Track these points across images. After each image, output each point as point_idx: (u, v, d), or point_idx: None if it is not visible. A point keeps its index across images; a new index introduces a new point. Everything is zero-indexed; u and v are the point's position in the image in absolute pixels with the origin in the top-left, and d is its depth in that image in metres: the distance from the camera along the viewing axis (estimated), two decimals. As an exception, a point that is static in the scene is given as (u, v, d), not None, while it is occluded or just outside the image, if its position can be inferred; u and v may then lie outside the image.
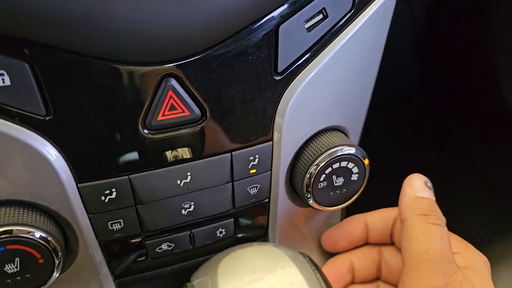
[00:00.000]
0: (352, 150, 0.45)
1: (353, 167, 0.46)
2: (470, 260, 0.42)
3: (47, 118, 0.34)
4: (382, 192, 0.51)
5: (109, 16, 0.31)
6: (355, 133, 0.50)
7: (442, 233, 0.41)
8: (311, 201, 0.46)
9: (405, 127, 0.97)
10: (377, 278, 0.50)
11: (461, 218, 0.80)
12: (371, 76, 0.47)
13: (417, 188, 0.44)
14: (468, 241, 0.46)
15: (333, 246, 0.51)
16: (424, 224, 0.41)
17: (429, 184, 0.45)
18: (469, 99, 0.95)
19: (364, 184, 0.47)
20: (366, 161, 0.46)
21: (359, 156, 0.45)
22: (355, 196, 0.48)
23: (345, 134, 0.48)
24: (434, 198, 0.45)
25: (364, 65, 0.45)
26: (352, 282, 0.50)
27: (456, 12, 0.91)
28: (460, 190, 0.84)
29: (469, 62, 0.90)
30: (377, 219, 0.49)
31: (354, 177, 0.46)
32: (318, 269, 0.33)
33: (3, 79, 0.32)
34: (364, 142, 0.51)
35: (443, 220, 0.42)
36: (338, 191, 0.46)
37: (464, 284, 0.38)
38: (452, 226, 0.44)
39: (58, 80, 0.33)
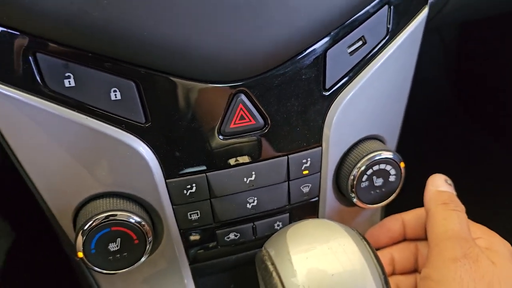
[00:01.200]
0: (389, 155, 0.52)
1: (390, 169, 0.53)
2: (492, 243, 0.48)
3: (146, 125, 0.44)
4: (417, 193, 0.58)
5: (198, 48, 0.41)
6: (392, 141, 0.57)
7: (460, 217, 0.47)
8: (355, 200, 0.53)
9: (438, 137, 1.03)
10: (415, 270, 0.57)
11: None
12: (404, 92, 0.55)
13: (438, 184, 0.51)
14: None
15: (375, 242, 0.58)
16: (444, 211, 0.48)
17: (449, 181, 0.52)
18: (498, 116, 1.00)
19: (400, 184, 0.55)
20: (402, 164, 0.53)
21: (395, 160, 0.53)
22: (393, 195, 0.55)
23: (383, 142, 0.56)
24: (454, 193, 0.51)
25: (398, 83, 0.53)
26: (393, 273, 0.56)
27: (484, 40, 0.98)
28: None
29: (497, 82, 0.96)
30: (412, 217, 0.56)
31: (392, 178, 0.54)
32: (365, 238, 0.41)
33: (115, 95, 0.42)
34: (402, 149, 0.58)
35: (462, 207, 0.49)
36: (378, 191, 0.54)
37: (480, 256, 0.43)
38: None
39: (156, 95, 0.43)
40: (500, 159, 1.03)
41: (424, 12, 0.52)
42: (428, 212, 0.49)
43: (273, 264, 0.39)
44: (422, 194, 0.53)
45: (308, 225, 0.43)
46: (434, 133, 1.08)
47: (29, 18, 0.38)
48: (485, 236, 0.49)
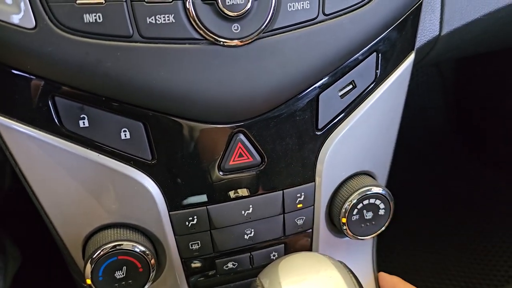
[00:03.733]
0: (379, 190, 0.56)
1: (380, 204, 0.56)
2: None
3: (152, 162, 0.48)
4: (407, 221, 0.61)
5: (200, 92, 0.45)
6: (382, 176, 0.61)
7: None
8: (346, 231, 0.57)
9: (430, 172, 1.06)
10: None
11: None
12: (393, 131, 0.59)
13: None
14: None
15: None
16: None
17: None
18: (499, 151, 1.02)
19: (389, 218, 0.58)
20: (391, 199, 0.57)
21: (384, 195, 0.56)
22: (383, 228, 0.58)
23: (373, 178, 0.59)
24: None
25: (386, 123, 0.57)
26: None
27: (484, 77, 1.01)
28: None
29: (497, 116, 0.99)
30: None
31: (381, 212, 0.57)
32: (351, 271, 0.44)
33: (125, 134, 0.46)
34: (391, 184, 0.61)
35: None
36: (368, 224, 0.57)
37: None
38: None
39: (162, 135, 0.47)
40: (498, 192, 1.06)
41: (411, 57, 0.56)
42: None
43: None
44: (411, 223, 0.55)
45: (299, 257, 0.46)
46: (431, 161, 1.11)
47: (49, 66, 0.42)
48: None
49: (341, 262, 0.45)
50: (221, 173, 0.50)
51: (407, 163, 0.73)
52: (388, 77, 0.55)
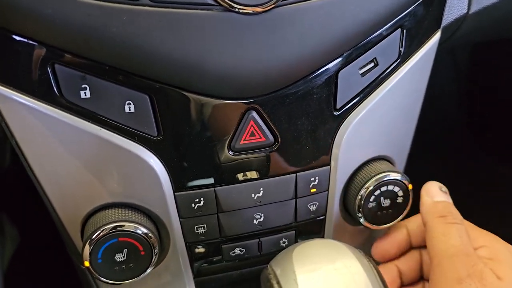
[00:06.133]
0: (397, 176, 0.52)
1: (398, 191, 0.53)
2: (496, 251, 0.46)
3: (157, 138, 0.45)
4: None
5: (212, 64, 0.42)
6: (401, 162, 0.58)
7: (459, 230, 0.46)
8: (361, 220, 0.53)
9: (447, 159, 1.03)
10: (421, 278, 0.56)
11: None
12: (414, 114, 0.55)
13: (433, 194, 0.51)
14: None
15: (384, 255, 0.57)
16: (443, 225, 0.47)
17: (444, 189, 0.51)
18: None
19: (408, 206, 0.55)
20: (410, 186, 0.53)
21: (403, 181, 0.53)
22: (400, 217, 0.55)
23: (392, 163, 0.56)
24: (450, 201, 0.51)
25: (408, 105, 0.54)
26: (402, 285, 0.56)
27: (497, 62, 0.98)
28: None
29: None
30: (416, 226, 0.55)
31: (399, 199, 0.54)
32: (371, 259, 0.41)
33: (129, 107, 0.43)
34: (410, 170, 0.58)
35: (460, 218, 0.48)
36: (385, 212, 0.54)
37: (485, 272, 0.42)
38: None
39: (169, 109, 0.44)
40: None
41: (437, 35, 0.53)
42: (426, 225, 0.49)
43: (278, 283, 0.40)
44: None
45: (314, 245, 0.43)
46: (444, 154, 1.08)
47: (49, 30, 0.39)
48: (488, 244, 0.48)
49: (360, 251, 0.42)
50: (231, 152, 0.47)
51: (421, 153, 0.70)
52: (412, 56, 0.51)
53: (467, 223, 0.51)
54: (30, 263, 0.84)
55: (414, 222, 0.56)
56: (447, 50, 1.00)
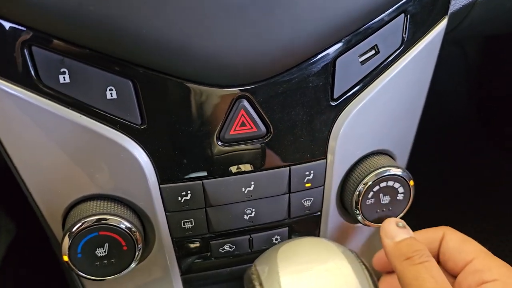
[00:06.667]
0: (398, 172, 0.49)
1: (399, 187, 0.50)
2: (509, 287, 0.43)
3: (141, 127, 0.42)
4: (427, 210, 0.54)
5: (200, 48, 0.39)
6: (402, 157, 0.54)
7: (429, 269, 0.42)
8: (359, 217, 0.50)
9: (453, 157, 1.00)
10: None
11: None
12: (418, 106, 0.52)
13: (392, 234, 0.47)
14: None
15: (384, 267, 0.54)
16: (411, 268, 0.43)
17: (401, 223, 0.48)
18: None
19: (409, 204, 0.52)
20: (411, 183, 0.50)
21: (404, 177, 0.50)
22: (401, 215, 0.52)
23: (393, 158, 0.53)
24: (411, 234, 0.47)
25: (411, 97, 0.51)
26: None
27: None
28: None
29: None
30: (423, 241, 0.52)
31: (400, 196, 0.51)
32: (364, 263, 0.38)
33: (111, 93, 0.40)
34: (412, 167, 0.55)
35: (426, 253, 0.44)
36: (384, 209, 0.51)
37: None
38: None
39: (153, 96, 0.41)
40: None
41: (443, 23, 0.49)
42: (396, 270, 0.45)
43: (260, 284, 0.37)
44: (433, 212, 0.49)
45: (302, 243, 0.40)
46: (448, 149, 1.04)
47: (25, 10, 0.36)
48: (503, 278, 0.44)
49: (352, 251, 0.39)
50: (220, 143, 0.44)
51: (426, 148, 0.66)
52: (416, 44, 0.48)
53: (482, 249, 0.47)
54: (26, 254, 0.82)
55: (421, 238, 0.51)
56: (454, 41, 0.96)
